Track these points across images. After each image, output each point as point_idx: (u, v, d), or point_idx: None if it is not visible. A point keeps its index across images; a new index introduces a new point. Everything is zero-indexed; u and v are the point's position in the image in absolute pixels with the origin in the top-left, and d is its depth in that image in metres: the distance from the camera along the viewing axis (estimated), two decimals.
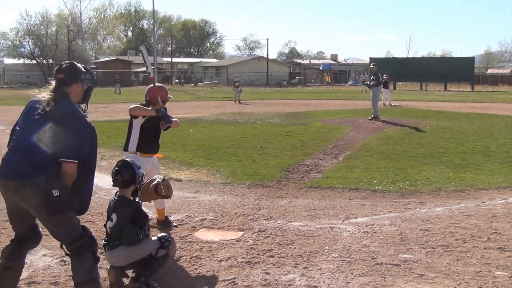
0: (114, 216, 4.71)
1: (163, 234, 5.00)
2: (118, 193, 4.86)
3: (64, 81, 4.16)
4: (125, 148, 6.37)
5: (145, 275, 4.70)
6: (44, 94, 4.12)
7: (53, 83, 4.19)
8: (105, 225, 4.84)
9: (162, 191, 5.35)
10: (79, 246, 4.02)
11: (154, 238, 4.83)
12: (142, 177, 4.90)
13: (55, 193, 3.83)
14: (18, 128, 4.11)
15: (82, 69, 4.32)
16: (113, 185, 4.88)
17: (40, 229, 4.32)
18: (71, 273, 5.01)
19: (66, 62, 4.37)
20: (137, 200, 4.94)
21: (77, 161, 3.95)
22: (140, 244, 4.67)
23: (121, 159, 5.05)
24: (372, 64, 21.63)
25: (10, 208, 4.09)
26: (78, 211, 4.13)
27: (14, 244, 4.22)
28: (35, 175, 3.82)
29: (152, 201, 5.95)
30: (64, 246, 4.10)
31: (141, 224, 4.75)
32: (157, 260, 4.73)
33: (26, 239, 4.23)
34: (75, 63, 4.38)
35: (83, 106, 4.35)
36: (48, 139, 3.91)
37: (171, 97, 6.59)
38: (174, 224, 6.69)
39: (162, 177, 5.49)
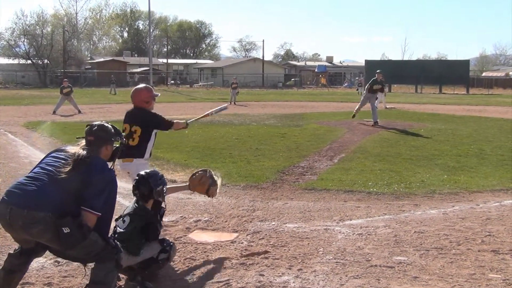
0: (127, 219, 4.77)
1: (165, 238, 5.02)
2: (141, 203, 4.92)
3: (95, 143, 4.26)
4: (140, 156, 6.28)
5: (143, 275, 4.70)
6: (74, 148, 4.20)
7: (83, 141, 4.28)
8: (116, 219, 4.85)
9: (212, 194, 5.47)
10: (103, 256, 4.02)
11: (154, 243, 4.84)
12: (162, 192, 4.90)
13: (65, 230, 3.78)
14: (41, 165, 4.11)
15: (112, 131, 4.40)
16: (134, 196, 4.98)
17: None
18: (64, 274, 5.04)
19: (96, 124, 4.40)
20: (162, 207, 5.07)
21: (100, 214, 3.97)
22: (141, 253, 4.70)
23: (141, 174, 5.02)
24: (378, 71, 21.35)
25: (15, 237, 4.06)
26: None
27: (23, 255, 4.18)
28: (42, 209, 3.75)
29: None
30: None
31: (150, 238, 4.79)
32: (157, 262, 4.75)
33: (35, 251, 4.21)
34: (106, 125, 4.42)
35: (109, 164, 4.41)
36: (70, 183, 3.90)
37: (158, 94, 6.72)
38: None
39: (220, 179, 5.47)
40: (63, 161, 4.04)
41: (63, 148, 4.28)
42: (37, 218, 3.73)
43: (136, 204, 4.89)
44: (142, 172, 4.98)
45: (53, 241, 3.84)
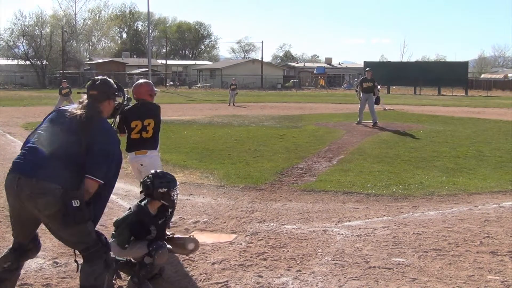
0: (128, 211, 4.80)
1: (156, 241, 4.84)
2: (147, 201, 4.85)
3: (97, 98, 4.13)
4: (154, 147, 6.44)
5: (139, 276, 4.70)
6: (75, 107, 4.07)
7: (84, 97, 4.16)
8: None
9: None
10: (92, 253, 3.92)
11: (143, 243, 4.77)
12: (167, 195, 4.74)
13: (75, 203, 3.72)
14: (41, 131, 3.98)
15: (115, 86, 4.31)
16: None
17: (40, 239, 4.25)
18: (63, 275, 5.03)
19: (99, 78, 4.31)
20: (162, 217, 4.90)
21: (102, 182, 3.90)
22: (126, 249, 4.69)
23: (152, 172, 4.93)
24: (367, 68, 21.42)
25: (17, 214, 3.91)
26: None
27: (12, 254, 4.06)
28: (52, 180, 3.69)
29: None
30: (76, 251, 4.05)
31: (136, 236, 4.73)
32: (145, 266, 4.71)
33: (27, 250, 4.09)
34: (108, 79, 4.33)
35: (110, 121, 4.33)
36: (77, 151, 3.82)
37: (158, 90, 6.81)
38: None
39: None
40: (67, 125, 3.92)
41: (65, 108, 4.12)
42: (47, 189, 3.67)
43: (140, 201, 4.85)
44: (153, 171, 4.92)
45: (56, 217, 3.74)
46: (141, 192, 4.84)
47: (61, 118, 4.01)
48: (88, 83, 4.27)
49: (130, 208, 4.88)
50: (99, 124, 4.00)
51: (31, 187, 3.68)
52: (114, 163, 4.03)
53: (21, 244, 4.07)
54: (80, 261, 4.05)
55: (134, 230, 4.71)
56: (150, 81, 6.91)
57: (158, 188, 4.72)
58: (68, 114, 4.01)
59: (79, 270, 4.02)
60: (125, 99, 4.47)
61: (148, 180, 4.78)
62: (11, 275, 4.08)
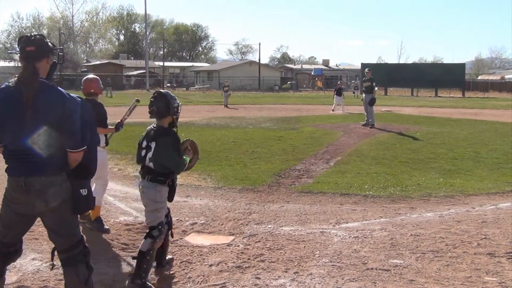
0: (153, 145, 4.80)
1: (162, 221, 4.86)
2: (156, 124, 4.93)
3: (35, 55, 3.66)
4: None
5: (140, 275, 4.67)
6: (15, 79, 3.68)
7: (16, 57, 3.83)
8: (143, 158, 4.88)
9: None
10: (75, 255, 3.81)
11: (161, 213, 4.85)
12: (178, 108, 4.93)
13: (83, 192, 3.75)
14: (7, 123, 3.62)
15: (50, 43, 3.83)
16: (150, 117, 4.96)
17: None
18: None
19: (34, 34, 3.80)
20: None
21: (85, 147, 3.74)
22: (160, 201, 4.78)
23: (157, 90, 5.09)
24: (367, 69, 21.56)
25: (14, 212, 3.74)
26: (87, 175, 3.92)
27: None
28: (56, 173, 3.63)
29: None
30: (55, 252, 3.89)
31: (179, 152, 4.84)
32: (144, 256, 4.70)
33: (14, 251, 3.96)
34: (44, 35, 3.87)
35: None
36: (50, 135, 3.57)
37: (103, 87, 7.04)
38: (106, 227, 6.56)
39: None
40: (27, 111, 3.54)
41: (8, 86, 3.68)
42: (55, 181, 3.63)
43: (154, 127, 4.90)
44: (159, 90, 5.03)
45: (60, 208, 3.68)
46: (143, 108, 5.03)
47: (17, 100, 3.59)
48: (22, 39, 3.72)
49: (140, 147, 4.92)
50: (51, 96, 3.63)
51: (41, 182, 3.59)
52: (85, 123, 3.77)
53: (8, 245, 3.91)
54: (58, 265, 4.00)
55: (177, 149, 4.84)
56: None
57: (173, 102, 4.88)
58: (17, 93, 3.60)
59: (62, 273, 3.95)
60: (60, 58, 3.94)
61: (160, 97, 4.88)
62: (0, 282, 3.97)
